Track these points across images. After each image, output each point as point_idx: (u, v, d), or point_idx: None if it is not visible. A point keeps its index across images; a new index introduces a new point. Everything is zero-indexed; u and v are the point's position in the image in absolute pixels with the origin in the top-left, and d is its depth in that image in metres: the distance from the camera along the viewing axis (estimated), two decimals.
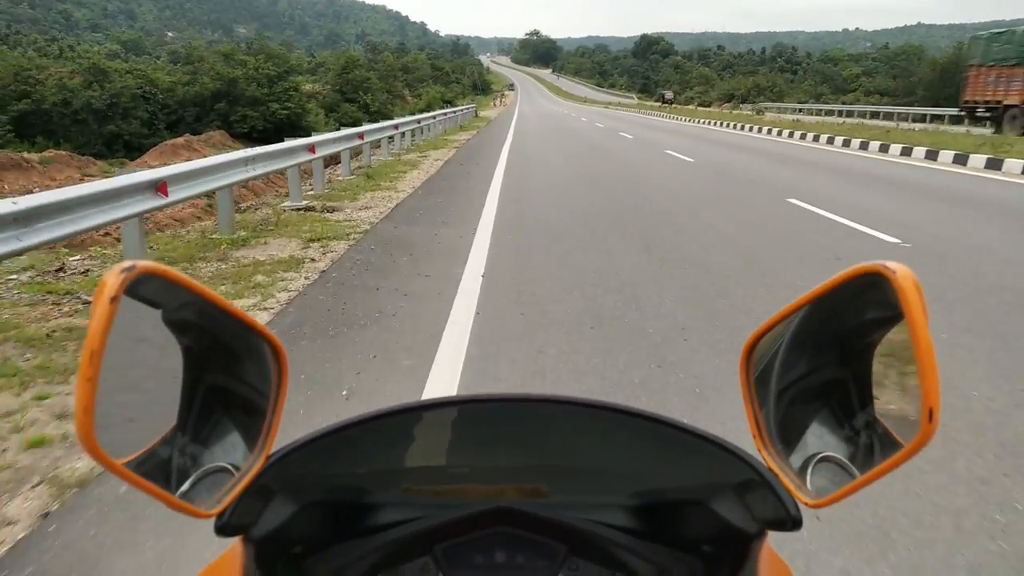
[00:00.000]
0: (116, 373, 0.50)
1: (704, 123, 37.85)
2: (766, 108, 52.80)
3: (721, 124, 35.11)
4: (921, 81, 46.35)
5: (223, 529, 0.60)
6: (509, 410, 0.71)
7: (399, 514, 0.70)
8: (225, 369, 0.62)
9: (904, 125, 31.94)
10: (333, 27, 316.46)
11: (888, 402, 0.56)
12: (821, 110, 47.25)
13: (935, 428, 0.49)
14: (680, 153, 17.80)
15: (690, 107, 64.44)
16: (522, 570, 0.69)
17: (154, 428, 0.56)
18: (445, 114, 27.74)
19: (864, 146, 19.61)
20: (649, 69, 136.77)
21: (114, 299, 0.48)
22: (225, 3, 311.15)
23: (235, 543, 0.65)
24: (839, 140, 21.32)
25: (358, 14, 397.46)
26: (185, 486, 0.57)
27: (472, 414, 0.71)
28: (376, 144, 16.11)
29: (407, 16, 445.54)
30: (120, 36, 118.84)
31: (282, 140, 11.39)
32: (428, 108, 37.07)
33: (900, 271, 0.51)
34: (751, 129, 30.22)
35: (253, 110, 30.33)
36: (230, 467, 0.60)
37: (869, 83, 60.43)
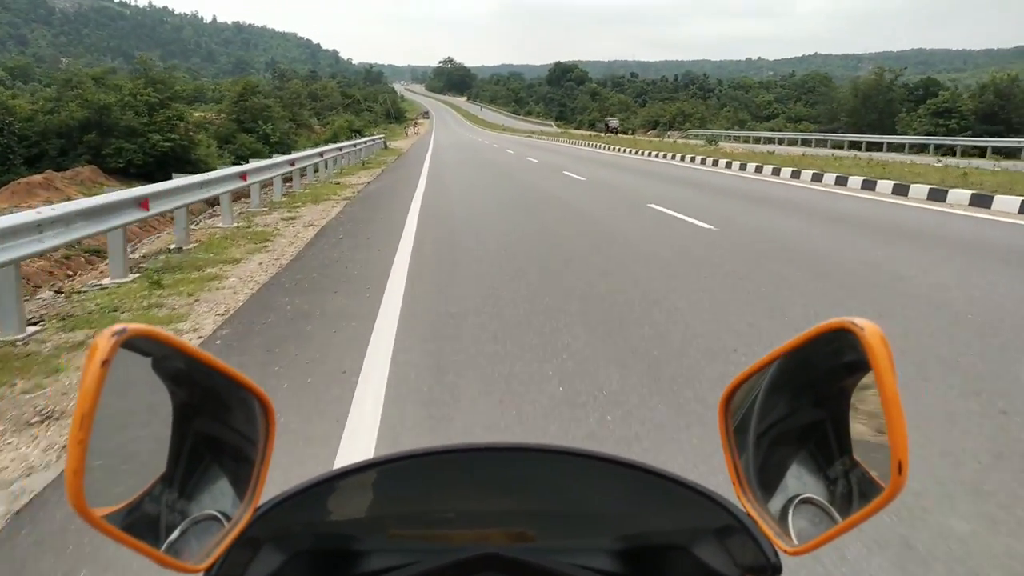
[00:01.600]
0: (108, 433, 0.51)
1: (652, 155, 32.60)
2: (695, 135, 51.61)
3: (672, 156, 30.54)
4: (843, 107, 45.99)
5: None
6: (496, 458, 0.72)
7: (387, 561, 0.70)
8: (215, 421, 0.63)
9: (861, 154, 30.20)
10: (242, 55, 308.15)
11: (864, 449, 0.57)
12: (758, 138, 45.77)
13: (905, 480, 0.51)
14: (677, 210, 11.66)
15: (627, 136, 60.80)
16: None
17: (143, 482, 0.57)
18: (340, 148, 22.88)
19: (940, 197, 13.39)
20: (564, 96, 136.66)
21: (105, 362, 0.49)
22: (126, 30, 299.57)
23: None
24: (885, 184, 15.30)
25: (268, 41, 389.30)
26: (174, 535, 0.58)
27: (458, 462, 0.72)
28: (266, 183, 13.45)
29: (319, 44, 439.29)
30: (8, 62, 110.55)
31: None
32: (334, 139, 33.88)
33: (868, 328, 0.53)
34: (713, 163, 25.22)
35: (129, 142, 26.53)
36: (219, 515, 0.61)
37: (789, 110, 60.47)
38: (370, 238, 9.40)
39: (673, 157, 30.18)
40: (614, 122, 69.40)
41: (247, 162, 17.76)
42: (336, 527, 0.73)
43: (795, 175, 19.25)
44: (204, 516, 0.60)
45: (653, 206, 12.52)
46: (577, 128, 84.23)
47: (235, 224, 10.81)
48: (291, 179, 16.42)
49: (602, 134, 61.48)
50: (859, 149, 34.15)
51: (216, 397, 0.62)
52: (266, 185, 14.59)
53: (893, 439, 0.51)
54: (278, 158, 14.98)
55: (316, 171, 19.11)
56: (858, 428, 0.58)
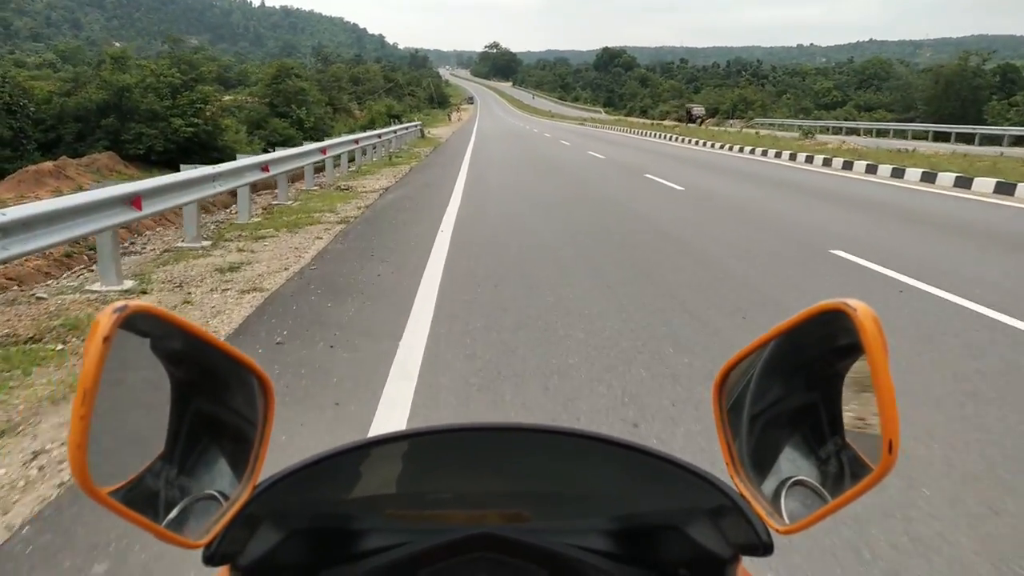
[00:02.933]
0: (110, 409, 0.52)
1: (746, 151, 25.75)
2: (759, 124, 48.04)
3: (777, 154, 23.89)
4: (921, 95, 42.30)
5: (211, 559, 0.62)
6: (492, 438, 0.73)
7: (384, 540, 0.70)
8: (214, 401, 0.64)
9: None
10: (289, 38, 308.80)
11: (856, 429, 0.58)
12: (839, 128, 41.06)
13: (895, 459, 0.52)
14: (918, 275, 6.46)
15: (695, 126, 51.67)
16: None
17: (144, 459, 0.58)
18: (356, 141, 17.82)
19: None
20: (612, 82, 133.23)
21: (107, 338, 0.50)
22: (176, 14, 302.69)
23: (221, 572, 0.66)
24: None
25: (315, 26, 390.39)
26: (173, 513, 0.58)
27: (456, 442, 0.73)
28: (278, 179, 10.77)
29: (365, 28, 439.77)
30: (60, 46, 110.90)
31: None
32: (371, 124, 31.70)
33: (860, 308, 0.54)
34: (845, 166, 19.07)
35: (150, 127, 24.68)
36: (218, 495, 0.62)
37: (857, 97, 56.48)
38: (334, 348, 4.47)
39: (778, 155, 23.46)
40: (698, 109, 57.61)
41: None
42: (334, 506, 0.73)
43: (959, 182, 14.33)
44: (203, 495, 0.61)
45: (845, 256, 7.37)
46: (628, 115, 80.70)
47: (195, 252, 7.55)
48: (300, 177, 14.29)
49: (685, 124, 52.36)
50: (946, 140, 30.82)
51: (215, 375, 0.62)
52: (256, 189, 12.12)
53: (884, 419, 0.52)
54: (244, 160, 9.85)
55: (323, 171, 15.46)
56: (850, 409, 0.58)
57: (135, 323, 0.53)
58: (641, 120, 65.67)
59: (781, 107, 61.42)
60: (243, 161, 9.72)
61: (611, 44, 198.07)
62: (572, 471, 0.73)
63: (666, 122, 60.30)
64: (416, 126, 33.53)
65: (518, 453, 0.74)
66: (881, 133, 36.42)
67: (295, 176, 14.11)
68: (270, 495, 0.65)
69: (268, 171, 10.36)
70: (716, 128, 45.93)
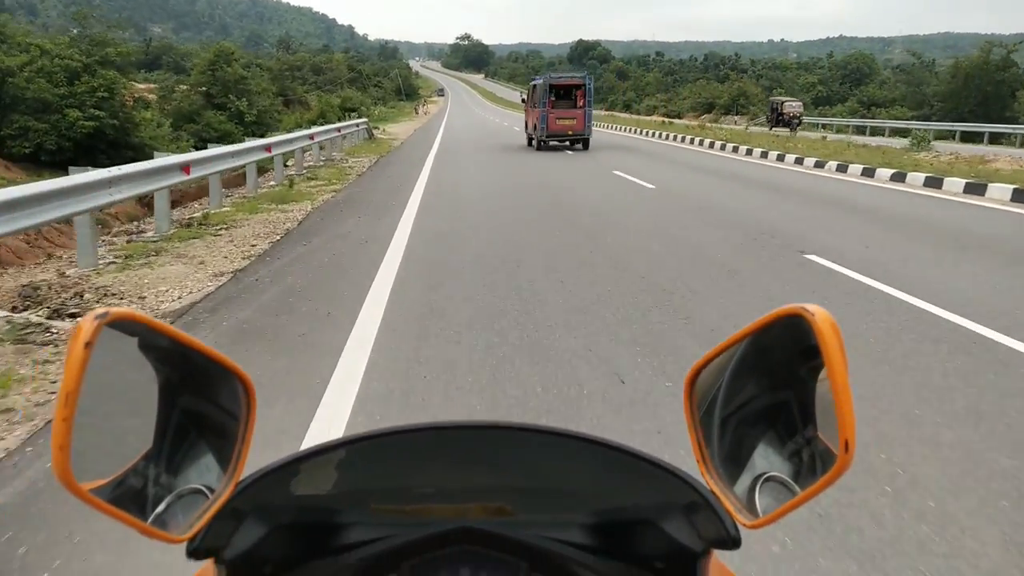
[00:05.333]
0: (91, 412, 0.53)
1: (866, 176, 15.47)
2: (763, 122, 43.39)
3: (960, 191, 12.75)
4: (937, 90, 38.55)
5: (195, 553, 0.63)
6: (474, 435, 0.75)
7: (367, 533, 0.71)
8: (198, 400, 0.65)
9: None
10: (256, 28, 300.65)
11: (820, 428, 0.60)
12: (883, 128, 35.51)
13: (851, 458, 0.54)
14: None
15: (728, 126, 41.78)
16: None
17: (129, 458, 0.59)
18: (231, 153, 10.89)
19: None
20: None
21: (88, 344, 0.52)
22: (139, 1, 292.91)
23: (206, 565, 0.67)
24: None
25: (282, 15, 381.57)
26: (160, 508, 0.60)
27: (437, 439, 0.74)
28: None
29: (334, 19, 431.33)
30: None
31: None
32: (322, 119, 27.12)
33: (819, 313, 0.56)
34: None
35: (39, 120, 19.98)
36: (204, 489, 0.63)
37: (861, 93, 52.63)
38: None
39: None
40: (795, 105, 37.84)
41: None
42: (317, 501, 0.74)
43: None
44: (189, 490, 0.62)
45: None
46: (610, 109, 75.98)
47: None
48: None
49: (768, 126, 37.68)
50: (978, 141, 27.06)
51: (197, 377, 0.63)
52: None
53: (841, 419, 0.54)
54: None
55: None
56: (815, 409, 0.60)
57: (117, 329, 0.54)
58: (637, 118, 56.92)
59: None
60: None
61: (584, 37, 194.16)
62: (553, 467, 0.73)
63: (685, 121, 50.12)
64: (362, 124, 26.07)
65: (500, 449, 0.74)
66: (896, 132, 32.57)
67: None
68: (254, 490, 0.66)
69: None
70: (775, 133, 33.24)
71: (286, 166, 15.15)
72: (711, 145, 25.65)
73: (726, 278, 6.34)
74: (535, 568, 0.70)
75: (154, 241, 7.89)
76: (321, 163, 17.21)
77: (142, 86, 30.09)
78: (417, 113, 60.29)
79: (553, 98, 22.58)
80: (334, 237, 8.20)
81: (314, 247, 7.68)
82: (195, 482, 0.63)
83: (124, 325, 0.55)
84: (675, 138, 30.44)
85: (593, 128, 24.44)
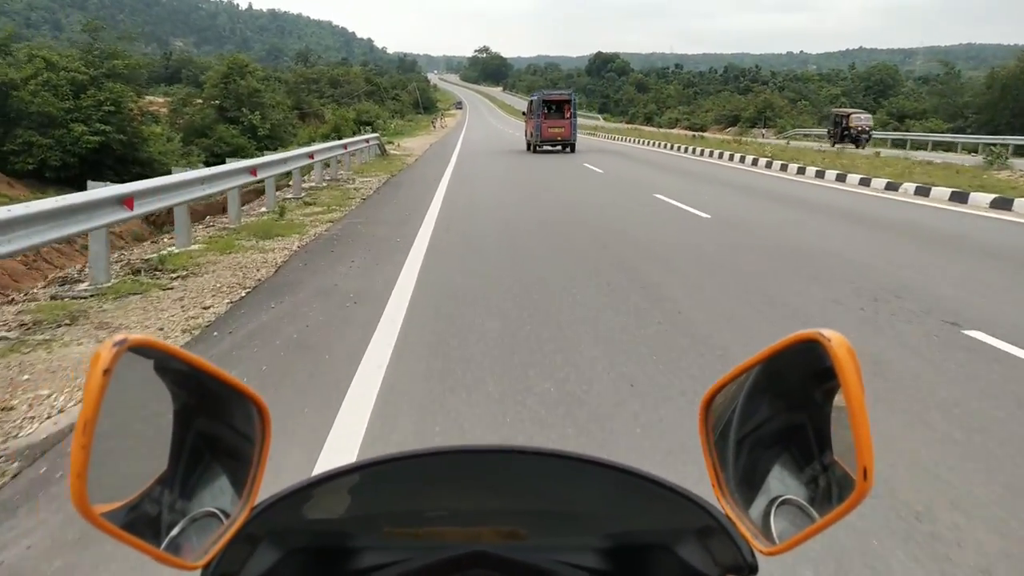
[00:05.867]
0: (108, 438, 0.54)
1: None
2: (792, 136, 41.74)
3: None
4: (971, 103, 37.26)
5: None
6: (488, 459, 0.75)
7: (380, 557, 0.71)
8: (212, 426, 0.65)
9: None
10: (276, 42, 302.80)
11: (838, 453, 0.59)
12: (925, 142, 32.92)
13: (870, 486, 0.53)
14: None
15: (769, 140, 38.65)
16: None
17: (143, 483, 0.59)
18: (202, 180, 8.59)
19: None
20: (606, 87, 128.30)
21: (107, 371, 0.52)
22: (161, 15, 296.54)
23: None
24: None
25: (303, 29, 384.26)
26: (174, 532, 0.60)
27: (450, 463, 0.74)
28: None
29: (353, 32, 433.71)
30: (33, 48, 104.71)
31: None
32: (336, 133, 26.36)
33: (835, 338, 0.55)
34: None
35: (43, 135, 19.35)
36: (218, 513, 0.63)
37: (890, 104, 51.08)
38: None
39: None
40: (863, 118, 34.76)
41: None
42: (331, 525, 0.75)
43: None
44: (203, 514, 0.62)
45: None
46: (631, 122, 74.81)
47: None
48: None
49: (830, 142, 34.85)
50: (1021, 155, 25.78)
51: (214, 402, 0.64)
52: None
53: (859, 446, 0.53)
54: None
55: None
56: (832, 435, 0.59)
57: (134, 355, 0.54)
58: (666, 131, 52.85)
59: (803, 115, 56.02)
60: None
61: (603, 50, 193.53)
62: (566, 491, 0.73)
63: (711, 134, 47.49)
64: (374, 139, 23.81)
65: (514, 473, 0.74)
66: (938, 146, 31.26)
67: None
68: (268, 515, 0.66)
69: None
70: (834, 150, 29.95)
71: (288, 186, 13.97)
72: (754, 162, 23.56)
73: (871, 376, 3.92)
74: None
75: (82, 298, 6.01)
76: (324, 183, 15.58)
77: (160, 99, 29.47)
78: (434, 127, 59.56)
79: (546, 111, 27.72)
80: (315, 294, 6.19)
81: (284, 311, 5.63)
82: (209, 506, 0.62)
83: (142, 352, 0.55)
84: (710, 154, 28.49)
85: (602, 139, 30.45)
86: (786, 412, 0.64)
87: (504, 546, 0.71)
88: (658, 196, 13.91)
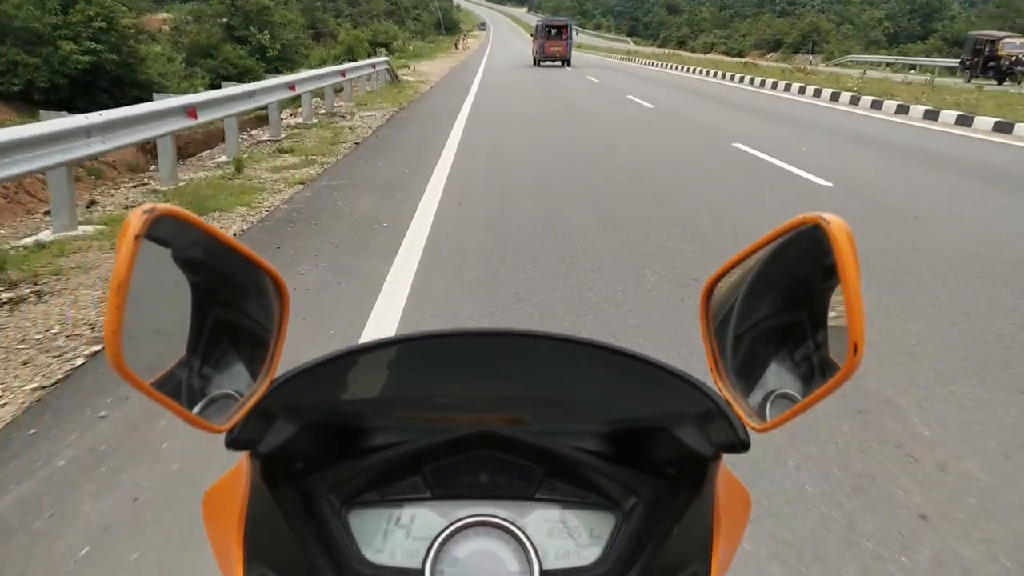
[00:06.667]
0: (139, 303, 0.57)
1: None
2: (850, 63, 38.63)
3: None
4: None
5: (233, 443, 0.67)
6: (493, 344, 0.77)
7: (391, 437, 0.74)
8: (232, 304, 0.68)
9: None
10: None
11: (830, 335, 0.61)
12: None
13: (860, 360, 0.56)
14: None
15: (846, 70, 34.37)
16: (503, 489, 0.74)
17: (171, 353, 0.62)
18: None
19: None
20: (635, 9, 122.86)
21: (138, 236, 0.55)
22: None
23: (243, 458, 0.71)
24: None
25: None
26: (196, 408, 0.63)
27: (459, 346, 0.76)
28: None
29: None
30: None
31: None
32: (349, 55, 24.45)
33: (834, 221, 0.57)
34: None
35: (29, 53, 17.78)
36: (235, 394, 0.66)
37: (950, 27, 47.57)
38: None
39: None
40: (1017, 44, 27.94)
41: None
42: (344, 404, 0.78)
43: None
44: (222, 394, 0.65)
45: None
46: (662, 46, 71.14)
47: None
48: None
49: (964, 75, 28.89)
50: None
51: (234, 277, 0.66)
52: None
53: (851, 322, 0.55)
54: None
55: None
56: (828, 318, 0.62)
57: (162, 223, 0.56)
58: (713, 58, 47.98)
59: (848, 39, 52.47)
60: None
61: None
62: (570, 377, 0.76)
63: (761, 62, 42.13)
64: (383, 64, 20.71)
65: (518, 359, 0.76)
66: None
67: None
68: (285, 390, 0.69)
69: None
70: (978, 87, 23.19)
71: (259, 128, 11.75)
72: (833, 97, 20.19)
73: None
74: (551, 473, 0.73)
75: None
76: (314, 120, 12.81)
77: (162, 16, 27.53)
78: (457, 48, 56.87)
79: (547, 34, 36.54)
80: (374, 194, 4.32)
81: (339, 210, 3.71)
82: (229, 385, 0.65)
83: (169, 220, 0.57)
84: (773, 85, 24.60)
85: (637, 64, 41.07)
86: (786, 309, 0.65)
87: (510, 428, 0.73)
88: (738, 146, 10.76)
